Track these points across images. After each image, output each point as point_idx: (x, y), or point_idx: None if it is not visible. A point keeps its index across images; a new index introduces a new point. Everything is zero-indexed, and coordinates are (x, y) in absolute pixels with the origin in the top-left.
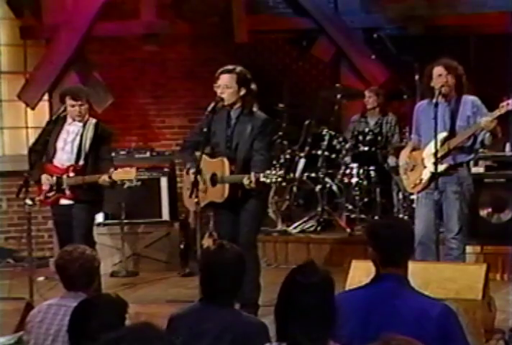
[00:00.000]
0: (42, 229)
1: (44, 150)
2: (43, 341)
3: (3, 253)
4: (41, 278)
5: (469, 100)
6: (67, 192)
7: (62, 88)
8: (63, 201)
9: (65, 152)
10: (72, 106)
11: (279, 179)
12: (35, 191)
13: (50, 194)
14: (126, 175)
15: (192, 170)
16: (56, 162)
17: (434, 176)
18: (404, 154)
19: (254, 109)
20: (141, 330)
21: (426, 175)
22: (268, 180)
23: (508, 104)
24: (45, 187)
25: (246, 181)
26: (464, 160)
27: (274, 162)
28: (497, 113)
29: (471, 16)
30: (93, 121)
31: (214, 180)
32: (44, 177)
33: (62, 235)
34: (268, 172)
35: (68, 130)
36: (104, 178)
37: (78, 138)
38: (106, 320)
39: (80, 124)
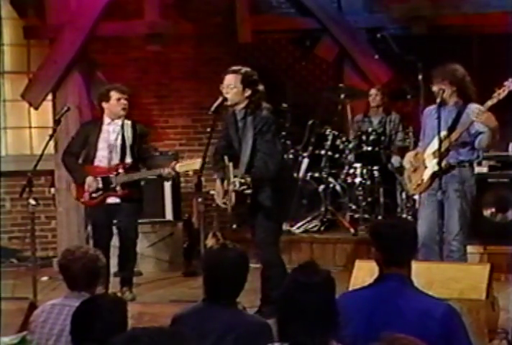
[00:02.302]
0: (46, 229)
1: (80, 152)
2: (46, 341)
3: (6, 253)
4: (44, 278)
5: (474, 106)
6: (118, 189)
7: (104, 87)
8: (110, 200)
9: (108, 151)
10: (119, 99)
11: (244, 186)
12: (39, 191)
13: (96, 194)
14: (191, 166)
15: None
16: (98, 162)
17: (434, 175)
18: (408, 157)
19: (262, 107)
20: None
21: (426, 175)
22: (236, 187)
23: (499, 94)
24: (91, 188)
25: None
26: (465, 159)
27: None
28: (489, 103)
29: (474, 16)
30: (128, 121)
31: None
32: (91, 180)
33: (99, 238)
34: (242, 180)
35: (108, 130)
36: (169, 171)
37: (120, 137)
38: (109, 319)
39: (119, 124)
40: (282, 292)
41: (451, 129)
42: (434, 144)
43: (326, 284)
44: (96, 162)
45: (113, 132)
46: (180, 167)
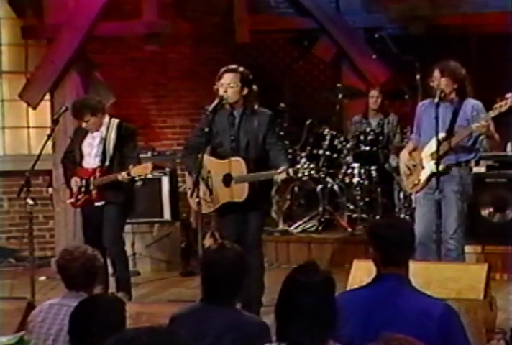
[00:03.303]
0: (44, 229)
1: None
2: (44, 341)
3: (4, 253)
4: (42, 278)
5: (471, 103)
6: (94, 193)
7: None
8: (96, 203)
9: (91, 157)
10: (81, 122)
11: (312, 171)
12: (37, 191)
13: (80, 196)
14: (143, 170)
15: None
16: (86, 166)
17: (433, 175)
18: (404, 154)
19: (256, 107)
20: (161, 334)
21: (424, 174)
22: (300, 174)
23: (500, 106)
24: (74, 189)
25: (279, 176)
26: (462, 160)
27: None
28: (490, 115)
29: (472, 15)
30: (115, 121)
31: (228, 180)
32: (73, 180)
33: (89, 237)
34: (299, 166)
35: (93, 135)
36: (123, 175)
37: (103, 141)
38: (107, 319)
39: (103, 128)
40: (282, 291)
41: (449, 131)
42: (432, 145)
43: (326, 284)
44: (84, 166)
45: (97, 137)
46: (133, 171)
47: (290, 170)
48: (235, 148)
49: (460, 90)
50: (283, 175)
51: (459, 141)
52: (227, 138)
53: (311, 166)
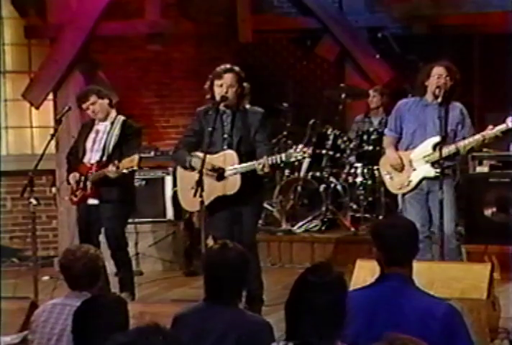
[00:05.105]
0: (47, 229)
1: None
2: (47, 341)
3: (8, 252)
4: (45, 277)
5: (458, 106)
6: (89, 188)
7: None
8: (90, 201)
9: (93, 151)
10: (87, 108)
11: (305, 155)
12: (40, 191)
13: (77, 192)
14: (129, 163)
15: (194, 162)
16: (86, 161)
17: (428, 179)
18: (392, 154)
19: (247, 106)
20: (150, 334)
21: (416, 177)
22: (292, 159)
23: None
24: (73, 185)
25: (259, 166)
26: (451, 163)
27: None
28: (503, 127)
29: (475, 15)
30: (121, 118)
31: (221, 174)
32: (71, 176)
33: (82, 235)
34: (291, 151)
35: (97, 129)
36: (112, 169)
37: (105, 136)
38: (110, 319)
39: (108, 123)
40: (293, 290)
41: (443, 134)
42: (427, 147)
43: (337, 285)
44: (85, 162)
45: (100, 132)
46: (121, 165)
47: (282, 155)
48: (229, 145)
49: (451, 92)
50: (262, 162)
51: (469, 146)
52: (219, 136)
53: (304, 149)
